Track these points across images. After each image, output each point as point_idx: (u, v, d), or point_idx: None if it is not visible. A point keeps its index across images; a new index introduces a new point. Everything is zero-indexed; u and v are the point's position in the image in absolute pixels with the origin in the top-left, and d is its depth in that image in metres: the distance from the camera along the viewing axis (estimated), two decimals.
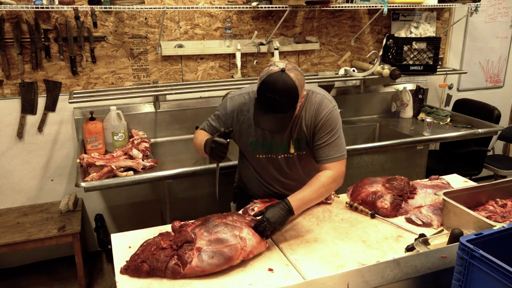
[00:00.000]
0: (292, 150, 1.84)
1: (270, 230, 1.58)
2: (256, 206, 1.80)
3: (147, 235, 1.70)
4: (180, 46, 2.97)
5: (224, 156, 1.70)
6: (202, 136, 1.87)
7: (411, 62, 3.29)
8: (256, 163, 1.93)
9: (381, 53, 3.48)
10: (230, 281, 1.44)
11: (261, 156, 1.87)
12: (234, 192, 2.16)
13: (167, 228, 1.76)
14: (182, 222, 1.64)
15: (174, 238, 1.52)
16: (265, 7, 2.84)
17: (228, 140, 1.68)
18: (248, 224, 1.60)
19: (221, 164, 2.01)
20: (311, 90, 1.82)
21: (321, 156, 1.79)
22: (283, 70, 1.58)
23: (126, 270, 1.48)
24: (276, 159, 1.86)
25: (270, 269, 1.50)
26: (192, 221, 1.66)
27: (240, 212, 1.81)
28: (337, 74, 3.26)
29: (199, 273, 1.43)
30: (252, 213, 1.73)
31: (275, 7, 2.85)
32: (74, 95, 2.66)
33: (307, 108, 1.79)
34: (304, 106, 1.79)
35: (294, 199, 1.66)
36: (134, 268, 1.46)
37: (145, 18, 2.86)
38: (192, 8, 2.74)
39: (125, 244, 1.66)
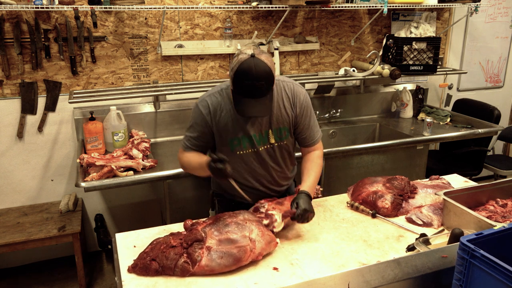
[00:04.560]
0: (272, 140, 1.87)
1: (312, 216, 1.71)
2: (264, 206, 1.77)
3: (151, 234, 1.71)
4: (180, 46, 2.96)
5: (229, 175, 1.67)
6: (193, 158, 1.83)
7: (411, 62, 3.29)
8: (236, 161, 1.88)
9: (381, 53, 3.48)
10: (236, 280, 1.44)
11: (241, 152, 1.86)
12: (212, 199, 2.09)
13: (170, 227, 1.77)
14: (193, 221, 1.64)
15: (184, 237, 1.52)
16: (265, 7, 2.84)
17: (223, 165, 1.63)
18: (258, 223, 1.60)
19: None
20: (279, 79, 1.87)
21: (308, 141, 1.92)
22: (252, 56, 1.61)
23: (134, 269, 1.48)
24: (258, 152, 1.86)
25: (275, 268, 1.50)
26: (204, 219, 1.66)
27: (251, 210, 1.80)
28: (337, 74, 3.26)
29: (207, 272, 1.45)
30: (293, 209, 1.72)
31: (275, 7, 2.85)
32: (74, 95, 2.65)
33: (284, 97, 1.84)
34: (281, 95, 1.84)
35: (307, 187, 1.81)
36: (142, 266, 1.46)
37: (145, 18, 2.86)
38: (192, 8, 2.74)
39: (129, 244, 1.66)
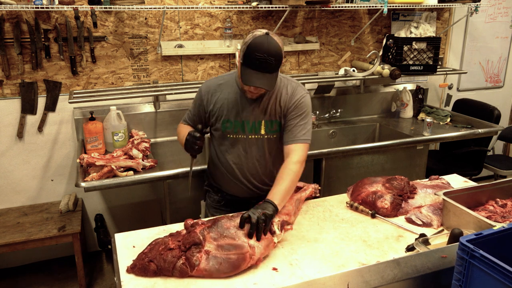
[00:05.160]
0: (263, 132, 1.91)
1: (266, 229, 1.55)
2: None
3: (151, 235, 1.70)
4: (180, 46, 2.97)
5: (198, 150, 1.87)
6: (184, 129, 1.99)
7: (411, 62, 3.29)
8: (224, 144, 1.96)
9: (381, 53, 3.48)
10: (235, 280, 1.44)
11: (232, 136, 1.93)
12: (204, 189, 2.22)
13: (169, 227, 1.77)
14: (194, 221, 1.64)
15: (183, 239, 1.51)
16: (265, 7, 2.84)
17: (200, 135, 1.83)
18: None
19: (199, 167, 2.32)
20: (286, 77, 1.95)
21: (288, 138, 1.88)
22: (267, 34, 1.71)
23: (132, 269, 1.47)
24: (247, 139, 1.92)
25: (275, 268, 1.50)
26: (203, 220, 1.66)
27: None
28: (337, 74, 3.27)
29: (206, 277, 1.44)
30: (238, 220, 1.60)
31: (275, 7, 2.85)
32: (74, 95, 2.66)
33: (283, 92, 1.90)
34: (281, 90, 1.90)
35: (275, 197, 1.67)
36: (141, 267, 1.46)
37: (145, 18, 2.86)
38: (192, 8, 2.74)
39: (129, 244, 1.65)
